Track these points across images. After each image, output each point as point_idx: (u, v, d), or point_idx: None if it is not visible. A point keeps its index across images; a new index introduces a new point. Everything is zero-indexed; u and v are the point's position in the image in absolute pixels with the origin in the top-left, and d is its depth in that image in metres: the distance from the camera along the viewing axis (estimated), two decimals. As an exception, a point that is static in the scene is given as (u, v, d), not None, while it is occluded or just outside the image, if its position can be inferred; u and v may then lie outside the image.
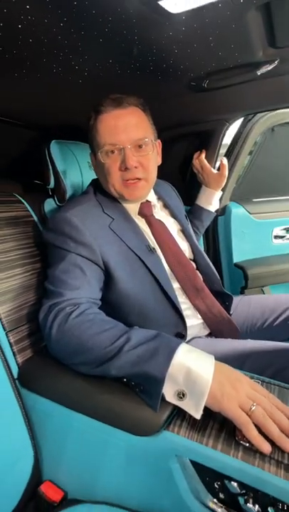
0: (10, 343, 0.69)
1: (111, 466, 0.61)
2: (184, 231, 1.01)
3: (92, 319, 0.65)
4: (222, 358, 0.60)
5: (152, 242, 0.89)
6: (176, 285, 0.90)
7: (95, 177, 0.93)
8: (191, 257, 1.00)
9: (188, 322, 0.89)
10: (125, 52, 0.75)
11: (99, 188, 0.90)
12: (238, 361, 0.78)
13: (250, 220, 1.42)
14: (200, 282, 0.95)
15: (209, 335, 0.96)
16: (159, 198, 1.02)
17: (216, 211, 1.32)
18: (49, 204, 1.00)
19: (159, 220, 0.92)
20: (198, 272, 0.98)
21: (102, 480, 0.63)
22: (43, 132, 1.15)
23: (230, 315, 1.00)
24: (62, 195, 1.00)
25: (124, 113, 0.79)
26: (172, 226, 0.98)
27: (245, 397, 0.52)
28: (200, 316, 0.93)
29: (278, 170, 1.52)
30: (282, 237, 1.48)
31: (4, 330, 0.69)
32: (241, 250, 1.41)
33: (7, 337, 0.69)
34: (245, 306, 1.08)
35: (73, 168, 1.04)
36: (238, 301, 1.09)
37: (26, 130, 1.11)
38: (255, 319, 1.04)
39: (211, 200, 1.26)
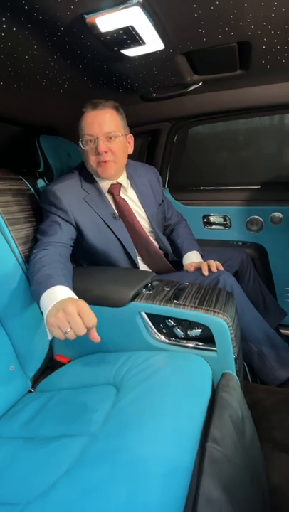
0: (27, 270, 1.03)
1: (102, 330, 0.97)
2: (145, 210, 1.28)
3: (44, 255, 0.97)
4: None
5: (117, 212, 1.21)
6: (132, 247, 1.22)
7: (72, 163, 1.26)
8: (151, 229, 1.31)
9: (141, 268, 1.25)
10: (97, 73, 1.12)
11: (84, 169, 1.21)
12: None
13: (178, 205, 1.70)
14: (153, 248, 1.27)
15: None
16: (134, 182, 1.27)
17: None
18: (40, 183, 1.33)
19: (123, 199, 1.23)
20: (154, 235, 1.33)
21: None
22: (28, 128, 1.46)
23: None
24: (51, 176, 1.33)
25: (100, 113, 1.11)
26: (136, 204, 1.27)
27: (56, 319, 0.72)
28: (150, 268, 1.29)
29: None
30: (212, 223, 1.72)
31: (23, 261, 1.02)
32: None
33: (24, 265, 1.02)
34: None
35: (56, 156, 1.37)
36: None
37: (15, 127, 1.43)
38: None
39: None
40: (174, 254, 1.38)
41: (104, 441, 0.61)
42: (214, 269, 1.15)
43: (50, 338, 0.76)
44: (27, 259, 1.04)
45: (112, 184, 1.20)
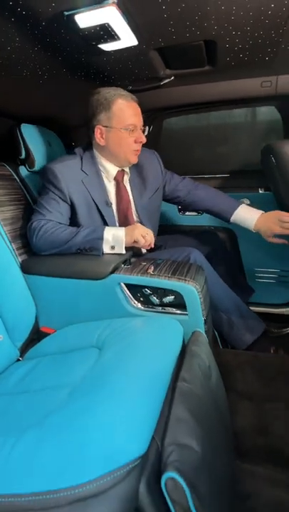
0: (13, 249, 1.10)
1: (84, 302, 1.07)
2: (134, 200, 1.34)
3: (56, 226, 1.13)
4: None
5: (112, 198, 1.29)
6: None
7: (52, 151, 1.34)
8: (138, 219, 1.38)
9: None
10: (75, 65, 1.20)
11: (87, 152, 1.28)
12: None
13: None
14: None
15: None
16: (135, 170, 1.35)
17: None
18: (22, 169, 1.39)
19: (124, 186, 1.29)
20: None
21: (78, 312, 1.08)
22: (9, 117, 1.52)
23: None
24: (32, 163, 1.40)
25: (137, 106, 1.23)
26: (134, 194, 1.34)
27: (137, 235, 1.09)
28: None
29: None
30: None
31: (10, 241, 1.10)
32: None
33: (11, 245, 1.10)
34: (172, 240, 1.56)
35: (37, 144, 1.44)
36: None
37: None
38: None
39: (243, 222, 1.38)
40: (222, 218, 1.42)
41: (89, 384, 0.71)
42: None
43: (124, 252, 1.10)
44: (13, 239, 1.12)
45: (118, 171, 1.28)
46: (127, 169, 1.32)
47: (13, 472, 0.51)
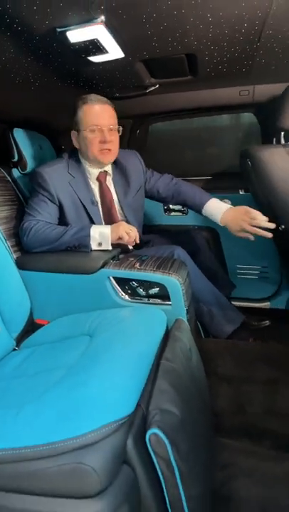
0: (8, 246, 1.17)
1: (76, 295, 1.14)
2: (119, 199, 1.43)
3: (46, 226, 1.21)
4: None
5: (97, 198, 1.38)
6: None
7: (43, 155, 1.41)
8: (123, 218, 1.46)
9: None
10: (66, 74, 1.28)
11: (73, 156, 1.36)
12: None
13: None
14: None
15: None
16: (117, 168, 1.43)
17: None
18: (15, 171, 1.46)
19: (107, 186, 1.39)
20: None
21: (70, 305, 1.16)
22: (2, 122, 1.59)
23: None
24: (24, 165, 1.47)
25: (106, 107, 1.29)
26: (118, 193, 1.43)
27: (122, 232, 1.17)
28: None
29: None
30: (172, 210, 1.93)
31: (5, 239, 1.17)
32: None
33: (6, 242, 1.17)
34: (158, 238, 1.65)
35: (29, 148, 1.52)
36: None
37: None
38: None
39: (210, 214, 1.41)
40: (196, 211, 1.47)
41: (82, 364, 0.79)
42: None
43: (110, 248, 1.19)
44: (8, 237, 1.19)
45: (100, 172, 1.36)
46: (109, 170, 1.40)
47: (17, 431, 0.59)
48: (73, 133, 1.32)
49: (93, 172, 1.36)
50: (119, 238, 1.20)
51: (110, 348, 0.81)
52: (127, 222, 1.45)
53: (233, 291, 1.75)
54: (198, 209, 1.44)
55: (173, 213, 1.93)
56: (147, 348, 0.83)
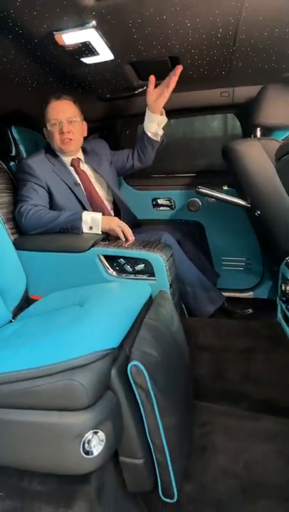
0: (7, 229, 1.27)
1: (68, 272, 1.24)
2: (104, 178, 1.60)
3: (41, 209, 1.33)
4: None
5: (78, 181, 1.51)
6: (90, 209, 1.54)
7: (38, 150, 1.54)
8: (109, 196, 1.63)
9: None
10: (61, 76, 1.40)
11: (49, 148, 1.51)
12: None
13: (131, 190, 2.03)
14: (107, 211, 1.57)
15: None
16: (88, 154, 1.60)
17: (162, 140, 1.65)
18: (13, 165, 1.58)
19: (82, 170, 1.55)
20: (110, 204, 1.63)
21: (63, 281, 1.25)
22: (1, 120, 1.70)
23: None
24: (21, 159, 1.59)
25: (63, 102, 1.44)
26: (93, 174, 1.58)
27: (114, 225, 1.28)
28: None
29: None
30: (160, 205, 2.05)
31: (3, 222, 1.27)
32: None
33: (5, 225, 1.27)
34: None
35: (25, 144, 1.64)
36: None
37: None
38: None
39: (150, 124, 1.58)
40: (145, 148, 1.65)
41: (74, 319, 0.89)
42: None
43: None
44: (7, 221, 1.30)
45: (72, 159, 1.51)
46: (81, 157, 1.56)
47: (18, 358, 0.69)
48: (44, 129, 1.49)
49: (66, 160, 1.52)
50: (111, 230, 1.31)
51: (99, 306, 0.91)
52: (112, 191, 1.62)
53: (217, 281, 1.86)
54: (145, 136, 1.61)
55: (161, 208, 2.04)
56: (132, 305, 0.93)
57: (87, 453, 0.63)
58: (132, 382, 0.70)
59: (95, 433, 0.64)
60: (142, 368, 0.69)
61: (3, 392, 0.67)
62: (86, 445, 0.63)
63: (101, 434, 0.65)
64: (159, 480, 0.77)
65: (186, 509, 0.80)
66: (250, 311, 1.75)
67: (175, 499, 0.78)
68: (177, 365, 0.94)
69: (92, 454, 0.64)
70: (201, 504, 0.81)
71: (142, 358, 0.71)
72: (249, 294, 1.97)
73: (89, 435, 0.63)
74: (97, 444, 0.64)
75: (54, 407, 0.65)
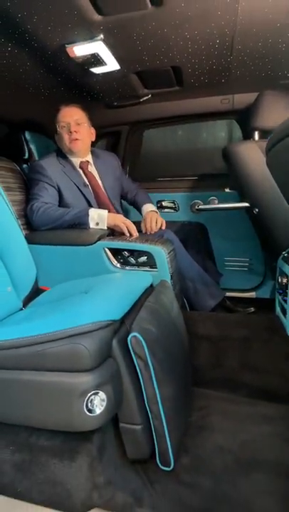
0: (19, 224, 1.37)
1: (75, 264, 1.33)
2: (103, 182, 1.69)
3: (51, 207, 1.43)
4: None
5: (86, 182, 1.61)
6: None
7: (46, 154, 1.65)
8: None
9: None
10: (72, 85, 1.52)
11: (59, 151, 1.62)
12: None
13: None
14: (113, 210, 1.66)
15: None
16: (98, 159, 1.73)
17: None
18: (26, 167, 1.69)
19: (90, 172, 1.65)
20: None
21: (70, 273, 1.33)
22: (16, 126, 1.83)
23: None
24: (33, 161, 1.70)
25: (71, 108, 1.56)
26: (100, 178, 1.69)
27: (119, 221, 1.36)
28: None
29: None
30: (164, 207, 2.14)
31: (17, 218, 1.37)
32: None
33: (18, 221, 1.37)
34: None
35: (37, 148, 1.75)
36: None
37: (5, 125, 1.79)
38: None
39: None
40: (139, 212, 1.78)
41: (82, 298, 0.97)
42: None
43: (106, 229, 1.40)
44: (20, 217, 1.40)
45: (81, 161, 1.62)
46: (90, 160, 1.67)
47: (31, 325, 0.77)
48: (55, 135, 1.61)
49: (75, 161, 1.63)
50: (115, 226, 1.40)
51: (103, 290, 0.99)
52: (109, 199, 1.70)
53: (220, 281, 1.92)
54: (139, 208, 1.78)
55: (166, 210, 2.13)
56: (133, 288, 1.01)
57: (90, 411, 0.71)
58: (131, 351, 0.77)
59: (97, 393, 0.71)
60: (141, 339, 0.76)
61: (19, 354, 0.75)
62: (89, 404, 0.71)
63: (102, 394, 0.72)
64: (156, 448, 0.83)
65: (182, 478, 0.85)
66: (252, 309, 1.80)
67: (171, 467, 0.84)
68: (176, 348, 1.01)
69: (94, 412, 0.71)
70: (197, 475, 0.86)
71: (141, 331, 0.78)
72: (251, 294, 2.02)
73: (92, 395, 0.71)
74: (98, 403, 0.71)
75: (62, 369, 0.73)
